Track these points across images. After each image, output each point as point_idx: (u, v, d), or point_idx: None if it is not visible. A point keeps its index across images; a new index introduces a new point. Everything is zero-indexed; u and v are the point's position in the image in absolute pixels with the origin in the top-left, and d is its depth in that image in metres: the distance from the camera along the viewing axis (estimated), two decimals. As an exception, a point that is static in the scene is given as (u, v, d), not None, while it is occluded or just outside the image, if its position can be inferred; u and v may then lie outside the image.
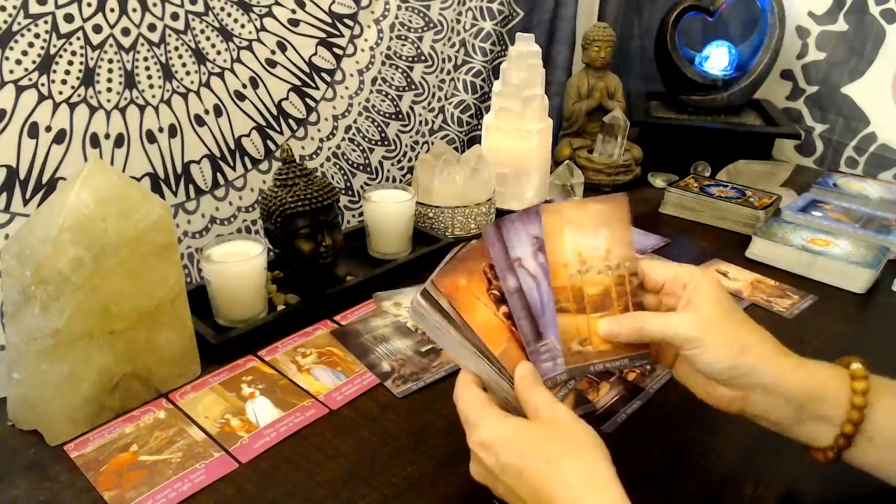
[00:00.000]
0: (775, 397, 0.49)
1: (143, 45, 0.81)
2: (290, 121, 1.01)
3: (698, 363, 0.49)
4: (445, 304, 0.51)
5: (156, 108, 0.85)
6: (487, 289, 0.53)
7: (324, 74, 1.03)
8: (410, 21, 1.12)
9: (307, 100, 1.02)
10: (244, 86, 0.94)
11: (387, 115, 1.15)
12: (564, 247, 0.53)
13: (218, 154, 0.93)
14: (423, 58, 1.16)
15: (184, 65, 0.86)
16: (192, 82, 0.88)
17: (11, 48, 0.71)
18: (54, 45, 0.74)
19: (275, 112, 0.98)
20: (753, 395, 0.50)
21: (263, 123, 0.97)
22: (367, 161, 1.14)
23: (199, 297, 0.77)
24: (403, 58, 1.14)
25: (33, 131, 0.75)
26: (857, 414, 0.48)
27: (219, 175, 0.94)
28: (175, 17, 0.84)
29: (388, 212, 0.93)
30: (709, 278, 0.51)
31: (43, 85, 0.75)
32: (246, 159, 0.97)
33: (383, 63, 1.11)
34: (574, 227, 0.53)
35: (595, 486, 0.43)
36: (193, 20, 0.86)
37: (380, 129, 1.15)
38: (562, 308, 0.52)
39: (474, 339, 0.51)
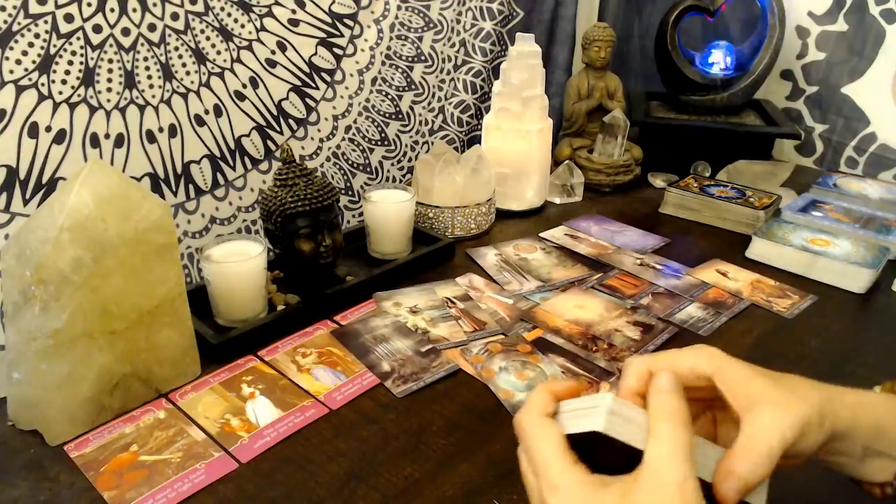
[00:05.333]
0: (845, 442, 0.44)
1: (143, 45, 0.81)
2: (290, 121, 1.01)
3: (795, 450, 0.42)
4: None
5: (156, 108, 0.85)
6: None
7: (324, 74, 1.03)
8: (410, 21, 1.12)
9: (307, 100, 1.02)
10: (244, 86, 0.94)
11: (387, 115, 1.15)
12: None
13: (218, 154, 0.93)
14: (423, 58, 1.16)
15: (184, 65, 0.86)
16: (192, 82, 0.88)
17: (11, 48, 0.71)
18: (54, 45, 0.74)
19: (275, 112, 0.98)
20: (832, 447, 0.44)
21: (263, 123, 0.97)
22: (367, 161, 1.14)
23: (199, 297, 0.77)
24: (403, 58, 1.14)
25: (33, 131, 0.75)
26: None
27: (219, 175, 0.94)
28: (175, 17, 0.84)
29: (388, 212, 0.93)
30: (721, 360, 0.43)
31: (43, 85, 0.75)
32: (246, 159, 0.97)
33: (383, 63, 1.11)
34: None
35: None
36: (193, 20, 0.86)
37: (380, 129, 1.15)
38: None
39: None
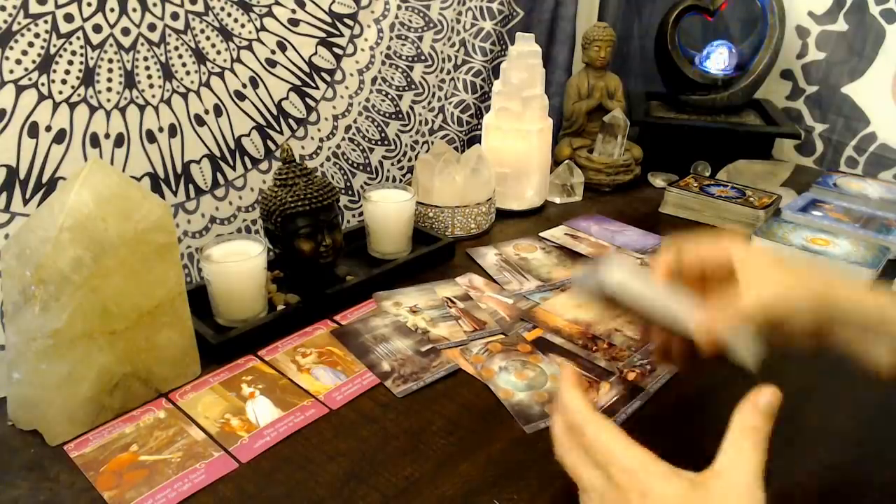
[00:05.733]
0: (851, 328, 0.51)
1: (143, 44, 0.81)
2: (290, 120, 1.01)
3: (789, 328, 0.50)
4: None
5: (156, 108, 0.85)
6: None
7: (324, 74, 1.03)
8: (410, 21, 1.12)
9: (307, 99, 1.02)
10: (244, 85, 0.94)
11: (387, 114, 1.15)
12: None
13: (218, 154, 0.93)
14: (423, 57, 1.16)
15: (184, 65, 0.86)
16: (192, 82, 0.88)
17: (11, 48, 0.71)
18: (54, 45, 0.74)
19: (275, 112, 0.98)
20: (834, 331, 0.51)
21: (263, 123, 0.98)
22: (367, 161, 1.14)
23: (199, 297, 0.77)
24: (403, 57, 1.14)
25: (33, 131, 0.75)
26: None
27: (219, 175, 0.94)
28: (175, 16, 0.84)
29: (388, 212, 0.93)
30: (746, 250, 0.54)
31: (43, 85, 0.75)
32: (246, 159, 0.97)
33: (383, 63, 1.11)
34: None
35: None
36: (193, 20, 0.86)
37: (380, 128, 1.15)
38: None
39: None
